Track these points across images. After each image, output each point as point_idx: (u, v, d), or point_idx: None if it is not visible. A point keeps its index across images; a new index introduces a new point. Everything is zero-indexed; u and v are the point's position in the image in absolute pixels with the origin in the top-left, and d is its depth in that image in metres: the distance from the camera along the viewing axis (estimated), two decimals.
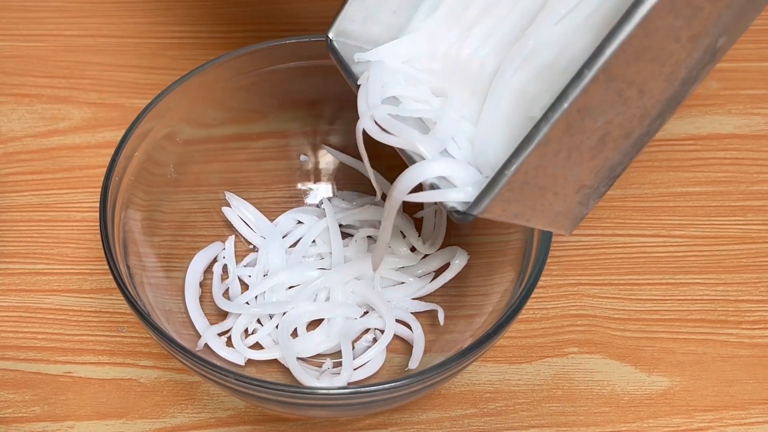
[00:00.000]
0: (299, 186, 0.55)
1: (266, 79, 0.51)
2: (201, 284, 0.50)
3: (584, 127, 0.34)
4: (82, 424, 0.47)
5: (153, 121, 0.47)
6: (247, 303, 0.50)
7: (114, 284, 0.42)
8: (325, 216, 0.52)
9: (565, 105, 0.32)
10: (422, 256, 0.51)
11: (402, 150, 0.39)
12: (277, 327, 0.48)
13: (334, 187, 0.55)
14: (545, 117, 0.33)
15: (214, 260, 0.51)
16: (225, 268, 0.51)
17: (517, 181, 0.34)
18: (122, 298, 0.42)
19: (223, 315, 0.49)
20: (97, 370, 0.49)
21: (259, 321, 0.49)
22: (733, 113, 0.61)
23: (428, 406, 0.48)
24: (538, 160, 0.34)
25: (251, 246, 0.53)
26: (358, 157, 0.54)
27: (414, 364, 0.48)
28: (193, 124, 0.50)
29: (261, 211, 0.53)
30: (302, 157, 0.54)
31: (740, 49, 0.64)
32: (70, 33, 0.65)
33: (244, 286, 0.51)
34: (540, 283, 0.47)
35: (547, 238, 0.43)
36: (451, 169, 0.37)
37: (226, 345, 0.48)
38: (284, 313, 0.48)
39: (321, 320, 0.49)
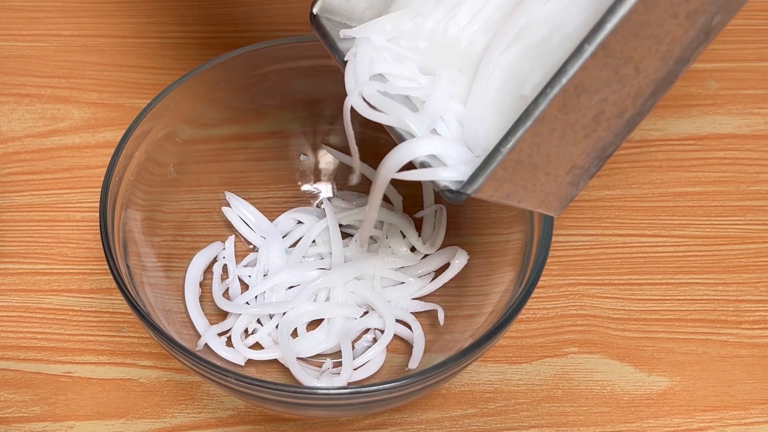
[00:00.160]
0: (299, 186, 0.55)
1: (266, 79, 0.51)
2: (201, 284, 0.50)
3: (580, 104, 0.33)
4: (82, 424, 0.47)
5: (153, 121, 0.47)
6: (247, 303, 0.50)
7: (114, 284, 0.42)
8: (325, 216, 0.52)
9: (564, 80, 0.32)
10: (422, 256, 0.51)
11: (391, 128, 0.38)
12: (277, 327, 0.48)
13: (334, 187, 0.55)
14: (543, 92, 0.32)
15: (214, 260, 0.51)
16: (225, 268, 0.51)
17: (511, 160, 0.34)
18: (122, 298, 0.42)
19: (223, 315, 0.49)
20: (97, 370, 0.49)
21: (259, 321, 0.49)
22: (733, 113, 0.61)
23: (428, 406, 0.48)
24: (533, 138, 0.33)
25: (251, 246, 0.53)
26: (359, 157, 0.54)
27: (414, 364, 0.48)
28: (193, 124, 0.50)
29: (261, 211, 0.53)
30: (302, 157, 0.55)
31: (740, 49, 0.64)
32: (70, 33, 0.65)
33: (244, 286, 0.51)
34: (540, 283, 0.47)
35: (547, 238, 0.43)
36: (443, 147, 0.36)
37: (226, 345, 0.48)
38: (284, 313, 0.48)
39: (321, 320, 0.49)
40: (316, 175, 0.55)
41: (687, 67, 0.36)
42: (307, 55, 0.50)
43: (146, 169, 0.47)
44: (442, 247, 0.51)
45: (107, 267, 0.42)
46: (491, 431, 0.47)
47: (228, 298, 0.50)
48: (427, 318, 0.50)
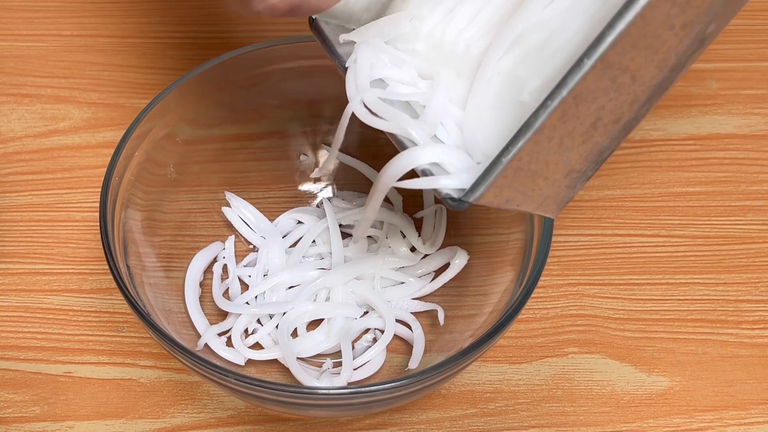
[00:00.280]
0: (299, 186, 0.55)
1: (266, 79, 0.51)
2: (201, 284, 0.50)
3: (578, 113, 0.34)
4: (82, 424, 0.47)
5: (153, 121, 0.47)
6: (247, 303, 0.50)
7: (114, 284, 0.42)
8: (325, 216, 0.52)
9: (564, 93, 0.32)
10: (422, 256, 0.51)
11: (393, 135, 0.38)
12: (277, 327, 0.48)
13: (334, 187, 0.55)
14: (544, 105, 0.33)
15: (214, 260, 0.51)
16: (225, 268, 0.51)
17: (511, 168, 0.34)
18: (122, 298, 0.42)
19: (223, 315, 0.49)
20: (97, 370, 0.49)
21: (259, 321, 0.49)
22: (733, 113, 0.61)
23: (428, 406, 0.48)
24: (533, 146, 0.34)
25: (251, 246, 0.53)
26: (358, 157, 0.54)
27: (414, 364, 0.48)
28: (193, 124, 0.50)
29: (261, 211, 0.53)
30: (302, 157, 0.54)
31: (740, 49, 0.64)
32: (70, 33, 0.65)
33: (244, 286, 0.51)
34: (540, 283, 0.47)
35: (547, 238, 0.43)
36: (445, 155, 0.37)
37: (226, 345, 0.48)
38: (284, 313, 0.48)
39: (321, 320, 0.49)
40: (316, 175, 0.55)
41: (682, 73, 0.37)
42: (307, 55, 0.50)
43: (146, 169, 0.47)
44: (442, 247, 0.51)
45: (107, 267, 0.42)
46: (491, 431, 0.47)
47: (228, 298, 0.50)
48: (427, 318, 0.50)
